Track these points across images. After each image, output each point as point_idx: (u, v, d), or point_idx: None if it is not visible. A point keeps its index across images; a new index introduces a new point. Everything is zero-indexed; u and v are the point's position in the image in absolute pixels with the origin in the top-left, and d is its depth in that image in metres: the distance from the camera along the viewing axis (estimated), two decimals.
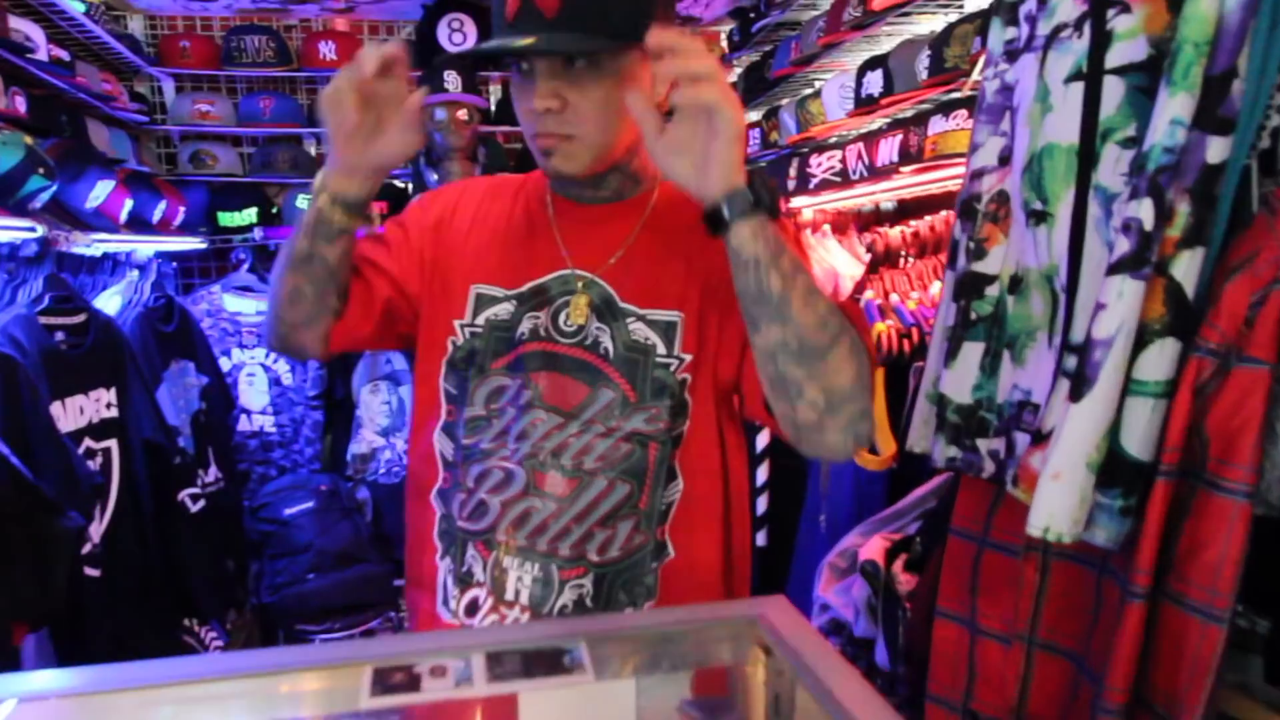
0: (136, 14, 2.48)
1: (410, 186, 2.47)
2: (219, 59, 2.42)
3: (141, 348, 1.61)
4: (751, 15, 2.25)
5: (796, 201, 1.92)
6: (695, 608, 0.70)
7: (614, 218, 0.77)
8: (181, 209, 2.21)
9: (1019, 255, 0.79)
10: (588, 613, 0.74)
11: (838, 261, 1.83)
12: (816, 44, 1.73)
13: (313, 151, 2.64)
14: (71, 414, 1.17)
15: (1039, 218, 0.76)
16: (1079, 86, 0.69)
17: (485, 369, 0.77)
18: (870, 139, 1.60)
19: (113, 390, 1.31)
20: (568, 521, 0.74)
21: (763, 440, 1.67)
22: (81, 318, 1.26)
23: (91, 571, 1.19)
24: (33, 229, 1.19)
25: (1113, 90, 0.67)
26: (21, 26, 1.49)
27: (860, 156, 1.62)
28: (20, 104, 1.45)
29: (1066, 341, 0.70)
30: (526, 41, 0.63)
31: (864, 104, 1.58)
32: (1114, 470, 0.62)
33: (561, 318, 0.75)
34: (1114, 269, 0.62)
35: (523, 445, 0.74)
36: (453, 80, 2.33)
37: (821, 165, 1.79)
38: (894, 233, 1.61)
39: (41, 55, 1.55)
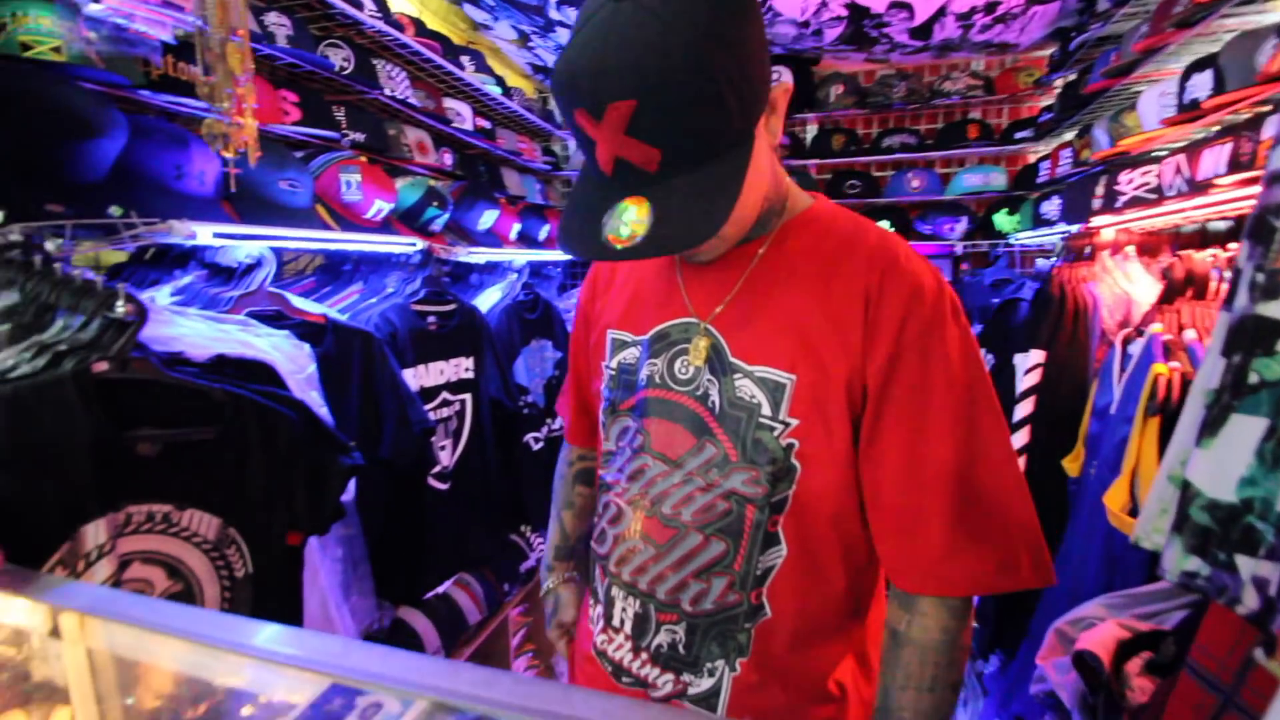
0: None
1: None
2: None
3: (504, 330, 2.24)
4: (1073, 34, 2.10)
5: (1099, 220, 1.62)
6: None
7: (730, 263, 0.72)
8: None
9: None
10: (678, 658, 0.73)
11: (1136, 288, 1.49)
12: (1134, 50, 1.45)
13: None
14: (433, 374, 1.73)
15: None
16: None
17: (617, 408, 0.79)
18: (1193, 150, 1.28)
19: (471, 358, 1.90)
20: (664, 568, 0.73)
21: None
22: (450, 306, 1.69)
23: (440, 485, 1.76)
24: (414, 244, 1.64)
25: None
26: (454, 105, 2.23)
27: (1179, 170, 1.30)
28: (448, 159, 2.19)
29: None
30: (632, 233, 0.58)
31: (1187, 109, 1.28)
32: None
33: (678, 365, 0.73)
34: None
35: (633, 486, 0.75)
36: None
37: (1133, 182, 1.50)
38: (1202, 257, 1.25)
39: (467, 125, 2.29)
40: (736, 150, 0.60)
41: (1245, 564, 0.54)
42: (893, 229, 2.68)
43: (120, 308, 0.87)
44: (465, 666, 0.51)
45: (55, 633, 0.63)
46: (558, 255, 3.06)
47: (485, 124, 2.49)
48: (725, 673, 0.72)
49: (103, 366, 0.84)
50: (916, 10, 2.11)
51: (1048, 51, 2.64)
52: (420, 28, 2.07)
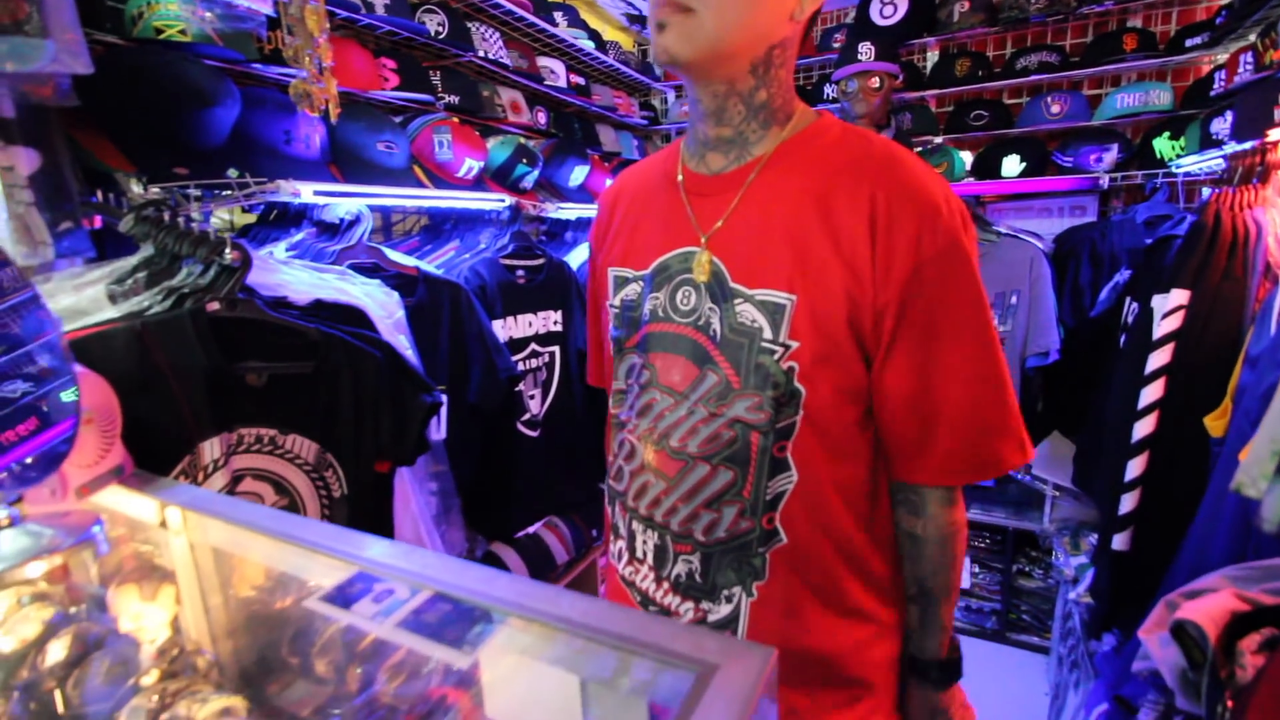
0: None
1: None
2: None
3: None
4: None
5: (1277, 134, 1.33)
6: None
7: (731, 181, 0.71)
8: None
9: None
10: (696, 587, 0.75)
11: None
12: None
13: None
14: (522, 326, 1.80)
15: None
16: None
17: (623, 346, 0.80)
18: None
19: (559, 312, 1.96)
20: (675, 500, 0.74)
21: (1141, 430, 1.28)
22: (539, 261, 1.75)
23: (530, 433, 1.86)
24: (502, 200, 1.71)
25: None
26: (547, 63, 2.26)
27: None
28: (541, 118, 2.24)
29: None
30: None
31: None
32: None
33: (679, 296, 0.73)
34: None
35: (642, 422, 0.77)
36: (866, 50, 2.39)
37: None
38: None
39: (561, 82, 2.32)
40: None
41: None
42: (1025, 164, 2.41)
43: (228, 254, 0.99)
44: (568, 592, 0.50)
45: (163, 524, 0.74)
46: None
47: (580, 80, 2.51)
48: (743, 599, 0.73)
49: (214, 306, 0.97)
50: None
51: None
52: None
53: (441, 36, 1.78)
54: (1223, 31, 2.04)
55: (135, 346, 0.90)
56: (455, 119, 1.69)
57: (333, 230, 1.44)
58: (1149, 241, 2.09)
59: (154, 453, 0.88)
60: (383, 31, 1.66)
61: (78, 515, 0.71)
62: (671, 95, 3.34)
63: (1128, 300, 1.94)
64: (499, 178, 1.86)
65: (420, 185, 1.61)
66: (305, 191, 1.22)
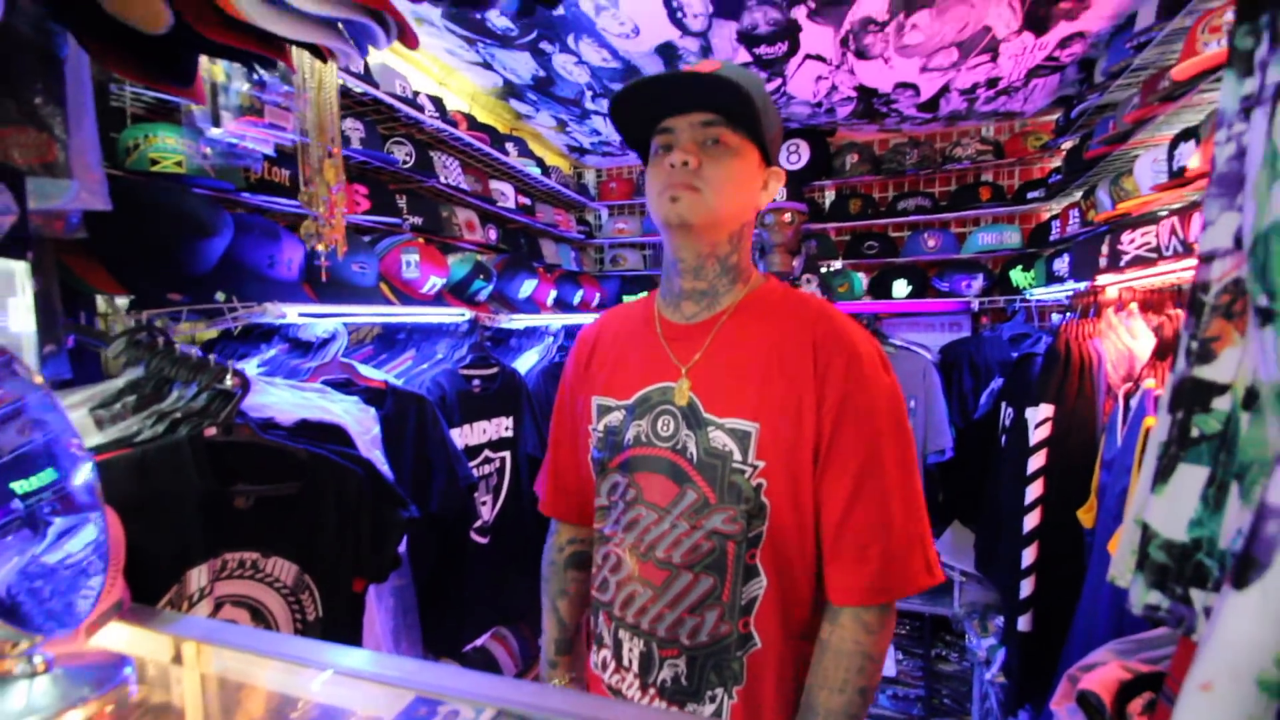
0: (590, 169, 3.67)
1: None
2: (633, 191, 3.46)
3: (540, 390, 2.39)
4: (1075, 101, 2.27)
5: (1105, 279, 1.71)
6: None
7: (702, 328, 0.85)
8: (598, 294, 3.13)
9: (1255, 362, 0.67)
10: (682, 690, 0.81)
11: (1139, 344, 1.56)
12: (1126, 121, 1.59)
13: None
14: (477, 433, 1.87)
15: (1266, 316, 0.63)
16: None
17: (605, 467, 0.89)
18: (1184, 214, 1.38)
19: (510, 418, 2.04)
20: (662, 607, 0.81)
21: (1029, 522, 1.51)
22: (492, 370, 1.83)
23: (480, 540, 1.88)
24: (463, 314, 1.82)
25: None
26: (499, 186, 2.46)
27: (1174, 231, 1.40)
28: (493, 234, 2.40)
29: None
30: (711, 69, 0.76)
31: (1176, 176, 1.39)
32: None
33: (659, 424, 0.83)
34: None
35: (629, 535, 0.85)
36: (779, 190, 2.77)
37: (1134, 242, 1.59)
38: None
39: (510, 203, 2.51)
40: (750, 146, 0.81)
41: (1198, 596, 0.61)
42: (911, 287, 2.83)
43: (229, 380, 1.03)
44: (523, 683, 0.61)
45: (177, 659, 0.74)
46: (592, 318, 3.25)
47: (526, 201, 2.72)
48: (725, 701, 0.80)
49: (213, 431, 0.99)
50: (922, 88, 2.28)
51: (1054, 116, 2.79)
52: (471, 122, 2.31)
53: (409, 165, 1.92)
54: (1054, 190, 2.56)
55: (134, 474, 0.91)
56: (421, 239, 1.81)
57: (305, 347, 1.49)
58: (1015, 355, 2.49)
59: (144, 583, 0.86)
60: (355, 160, 1.79)
61: (97, 655, 0.70)
62: (605, 213, 3.63)
63: (1004, 406, 2.28)
64: (457, 292, 1.97)
65: (388, 302, 1.69)
66: (291, 313, 1.28)
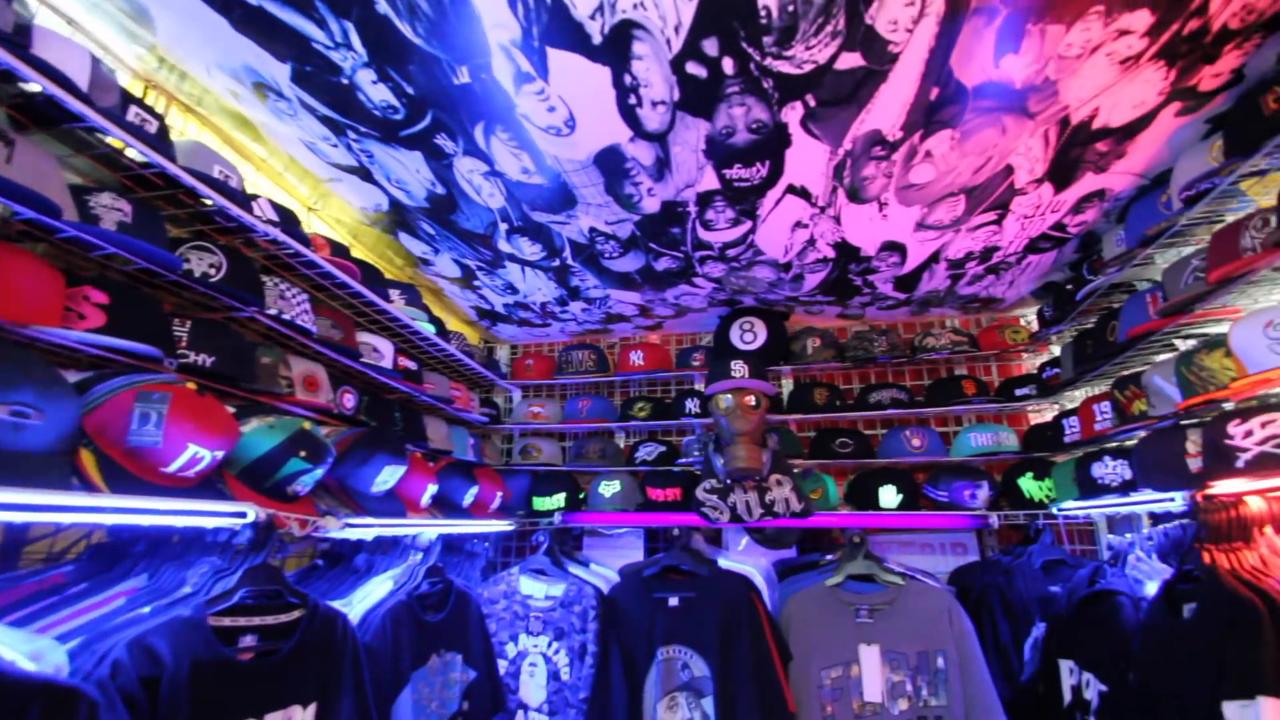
0: (503, 344, 3.11)
1: (701, 471, 2.34)
2: (553, 371, 2.83)
3: (383, 646, 1.50)
4: (1068, 287, 2.02)
5: (1224, 486, 1.20)
6: None
7: None
8: (499, 494, 2.36)
9: None
10: None
11: None
12: (1207, 281, 1.19)
13: (620, 444, 2.80)
14: None
15: None
16: None
17: None
18: None
19: (310, 708, 1.14)
20: None
21: None
22: (292, 616, 1.12)
23: None
24: (243, 514, 1.05)
25: None
26: (371, 339, 1.80)
27: None
28: (348, 401, 1.68)
29: None
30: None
31: None
32: None
33: None
34: None
35: None
36: (739, 368, 2.27)
37: (1252, 435, 1.12)
38: None
39: (386, 363, 1.83)
40: None
41: None
42: (901, 496, 2.25)
43: None
44: None
45: None
46: (489, 526, 2.40)
47: (411, 365, 2.05)
48: None
49: None
50: (909, 253, 1.92)
51: (1027, 310, 2.54)
52: (343, 253, 1.73)
53: (212, 280, 1.26)
54: (1052, 386, 2.18)
55: None
56: (189, 384, 1.07)
57: None
58: (1056, 590, 1.87)
59: None
60: (103, 253, 1.11)
61: None
62: (517, 395, 3.00)
63: (1070, 667, 1.60)
64: (251, 477, 1.18)
65: (88, 486, 0.90)
66: None
